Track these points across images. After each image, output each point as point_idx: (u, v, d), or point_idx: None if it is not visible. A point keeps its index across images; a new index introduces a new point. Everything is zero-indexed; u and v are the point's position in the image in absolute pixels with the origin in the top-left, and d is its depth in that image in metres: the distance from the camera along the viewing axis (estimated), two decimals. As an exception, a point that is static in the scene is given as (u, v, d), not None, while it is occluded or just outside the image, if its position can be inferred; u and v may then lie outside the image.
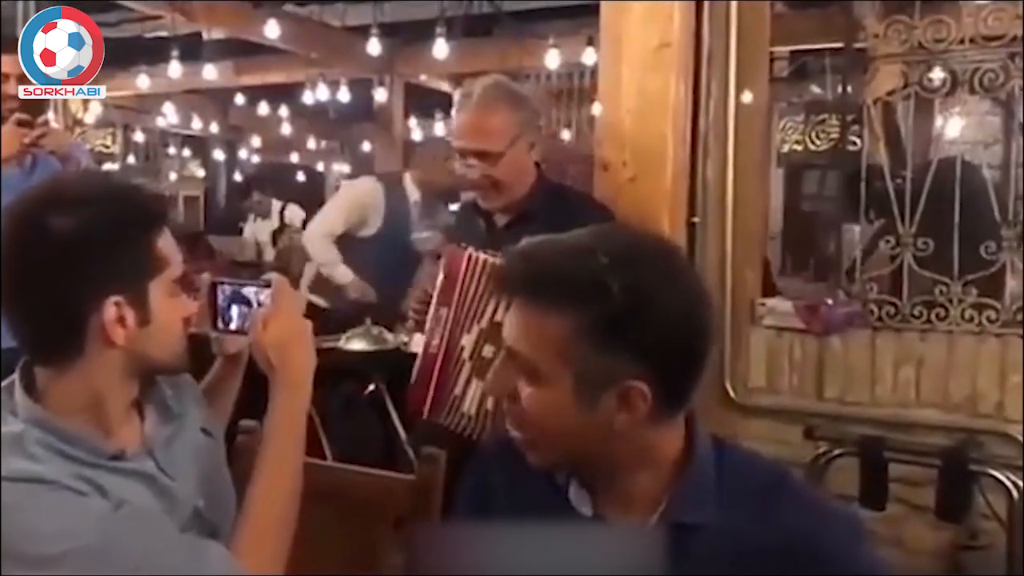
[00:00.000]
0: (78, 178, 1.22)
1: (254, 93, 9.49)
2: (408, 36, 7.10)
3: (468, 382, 1.96)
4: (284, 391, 1.25)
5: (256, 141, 11.60)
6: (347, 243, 4.12)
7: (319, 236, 4.13)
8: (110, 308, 1.12)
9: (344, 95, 7.63)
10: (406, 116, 8.86)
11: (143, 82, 7.63)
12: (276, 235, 7.46)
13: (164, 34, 6.69)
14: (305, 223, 6.73)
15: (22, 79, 2.75)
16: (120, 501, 1.11)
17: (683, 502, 1.05)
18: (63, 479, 1.08)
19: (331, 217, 4.15)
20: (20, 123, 2.64)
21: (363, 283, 4.06)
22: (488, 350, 1.92)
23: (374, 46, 6.02)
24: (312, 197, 11.86)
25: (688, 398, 1.06)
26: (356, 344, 3.80)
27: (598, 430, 1.03)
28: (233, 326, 1.33)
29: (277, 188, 10.94)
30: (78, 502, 1.08)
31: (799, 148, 6.65)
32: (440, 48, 5.72)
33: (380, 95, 7.92)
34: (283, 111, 9.86)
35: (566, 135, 7.28)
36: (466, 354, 1.96)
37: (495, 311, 1.91)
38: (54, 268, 1.10)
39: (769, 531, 1.02)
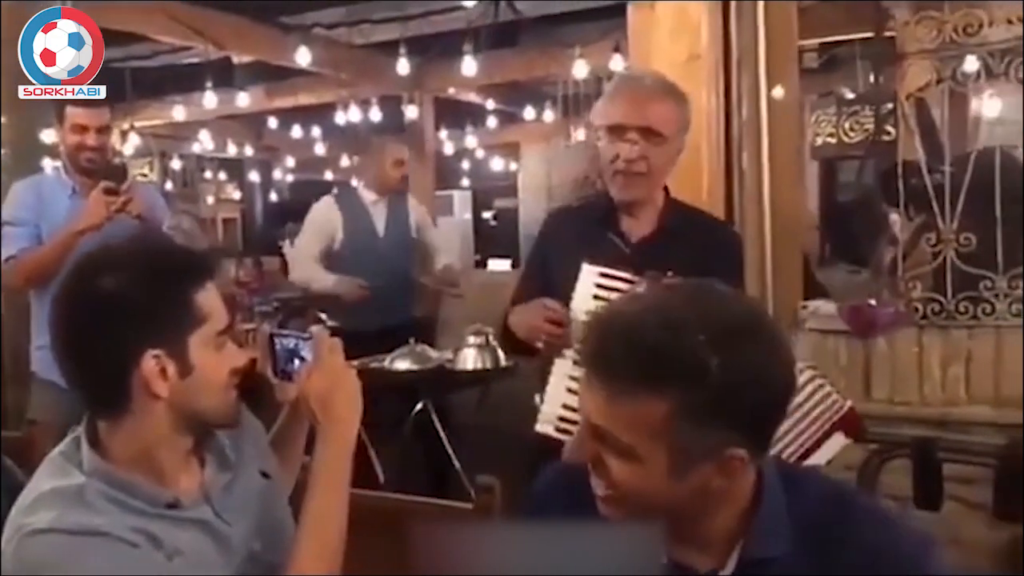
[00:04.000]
0: (127, 241, 1.28)
1: (286, 116, 9.61)
2: (435, 51, 7.14)
3: None
4: (327, 441, 1.28)
5: (290, 161, 11.74)
6: (329, 260, 4.18)
7: (300, 260, 4.24)
8: (149, 361, 1.18)
9: (375, 115, 7.69)
10: (437, 129, 8.91)
11: (178, 112, 7.76)
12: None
13: (196, 60, 6.80)
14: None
15: (101, 131, 2.85)
16: (174, 551, 1.17)
17: (760, 537, 1.04)
18: (117, 531, 1.13)
19: (303, 242, 4.26)
20: (107, 191, 2.71)
21: (348, 279, 4.06)
22: None
23: (403, 66, 6.05)
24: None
25: (766, 452, 1.06)
26: (401, 364, 3.84)
27: (690, 493, 1.01)
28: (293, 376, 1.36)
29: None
30: (131, 554, 1.13)
31: (832, 141, 6.57)
32: (468, 66, 5.74)
33: (411, 112, 7.97)
34: (316, 131, 9.96)
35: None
36: None
37: None
38: (98, 324, 1.17)
39: (844, 552, 1.02)
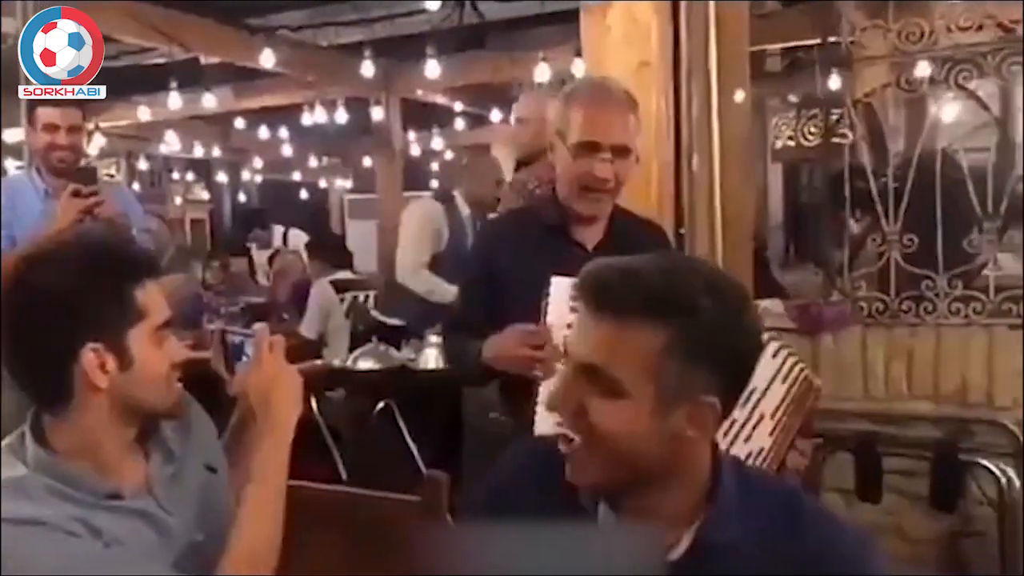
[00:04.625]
0: (65, 238, 1.32)
1: (253, 116, 9.58)
2: (401, 53, 7.17)
3: None
4: (265, 436, 1.33)
5: (258, 162, 11.70)
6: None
7: (414, 270, 4.16)
8: (88, 354, 1.22)
9: (341, 116, 7.69)
10: (404, 131, 8.93)
11: (144, 112, 7.73)
12: (271, 259, 7.56)
13: (162, 60, 6.77)
14: (308, 245, 6.84)
15: (72, 130, 2.85)
16: (111, 540, 1.20)
17: (716, 522, 1.09)
18: (57, 521, 1.17)
19: (416, 248, 4.19)
20: (75, 194, 2.72)
21: None
22: None
23: (368, 68, 6.09)
24: (316, 214, 12.03)
25: (731, 413, 1.14)
26: (364, 363, 3.89)
27: (664, 443, 1.06)
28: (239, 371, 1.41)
29: (280, 207, 11.05)
30: (69, 543, 1.17)
31: (792, 144, 6.66)
32: (432, 68, 5.80)
33: (377, 113, 7.99)
34: (283, 132, 9.95)
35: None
36: None
37: None
38: (37, 318, 1.22)
39: (790, 546, 1.08)
